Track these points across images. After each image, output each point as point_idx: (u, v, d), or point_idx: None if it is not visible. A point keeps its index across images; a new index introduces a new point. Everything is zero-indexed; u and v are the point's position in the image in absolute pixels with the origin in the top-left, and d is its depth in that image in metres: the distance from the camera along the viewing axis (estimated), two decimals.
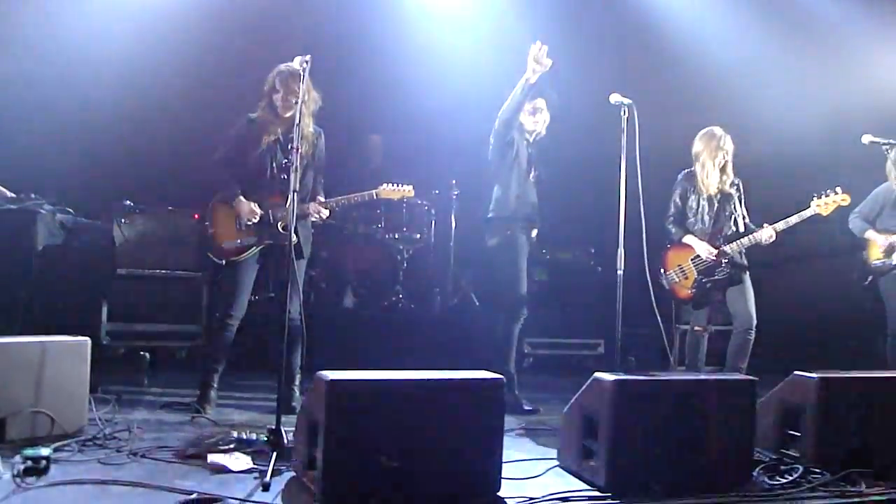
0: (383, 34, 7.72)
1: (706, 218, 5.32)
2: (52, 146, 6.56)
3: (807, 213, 5.12)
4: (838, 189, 5.12)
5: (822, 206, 5.10)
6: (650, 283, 4.49)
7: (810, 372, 3.73)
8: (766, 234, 5.15)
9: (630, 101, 4.43)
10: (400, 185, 5.01)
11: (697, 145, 5.37)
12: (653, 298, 4.45)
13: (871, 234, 5.74)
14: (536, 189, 5.26)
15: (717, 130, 5.33)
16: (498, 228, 5.15)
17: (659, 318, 4.46)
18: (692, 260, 5.30)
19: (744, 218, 5.36)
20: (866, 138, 5.57)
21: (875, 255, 5.71)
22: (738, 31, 7.94)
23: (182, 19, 6.93)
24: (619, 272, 4.35)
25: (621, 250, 4.36)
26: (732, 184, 5.36)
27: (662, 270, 5.40)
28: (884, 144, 5.59)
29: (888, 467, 3.50)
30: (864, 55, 7.73)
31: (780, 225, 5.14)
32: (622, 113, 4.45)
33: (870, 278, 5.75)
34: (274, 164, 4.59)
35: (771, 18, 7.83)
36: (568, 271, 7.83)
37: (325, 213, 4.69)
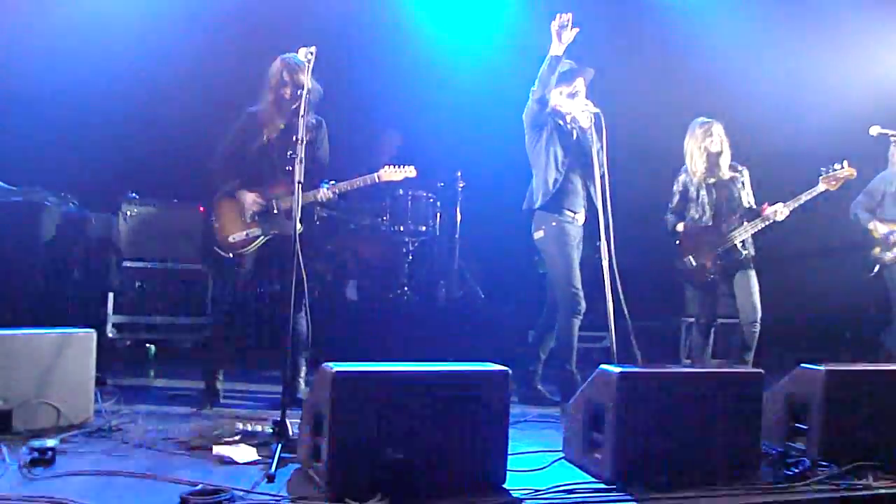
0: (388, 26, 7.71)
1: (706, 206, 5.33)
2: (57, 139, 6.56)
3: (816, 190, 5.12)
4: (844, 163, 5.10)
5: (829, 181, 5.10)
6: (616, 278, 4.49)
7: (817, 365, 3.72)
8: (779, 210, 5.13)
9: (598, 111, 4.70)
10: (401, 167, 4.95)
11: (686, 136, 5.41)
12: (621, 296, 4.47)
13: (874, 224, 5.76)
14: (583, 177, 4.95)
15: (704, 119, 5.36)
16: (542, 219, 4.96)
17: (627, 316, 4.49)
18: (708, 245, 5.29)
19: (751, 204, 5.35)
20: (874, 129, 5.55)
21: (879, 245, 5.75)
22: (743, 23, 7.90)
23: (189, 11, 6.93)
24: (605, 262, 4.48)
25: (604, 243, 4.50)
26: (735, 169, 5.36)
27: (680, 257, 5.40)
28: (892, 135, 5.58)
29: (895, 460, 3.49)
30: (871, 45, 7.69)
31: (791, 203, 5.14)
32: (590, 120, 4.72)
33: (876, 268, 5.76)
34: (276, 156, 4.58)
35: (777, 9, 7.79)
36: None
37: (329, 196, 4.65)
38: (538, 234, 4.96)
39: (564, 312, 4.87)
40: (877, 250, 5.78)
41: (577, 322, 4.86)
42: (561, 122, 4.96)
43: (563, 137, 4.93)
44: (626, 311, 4.48)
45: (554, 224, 4.89)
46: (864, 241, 5.90)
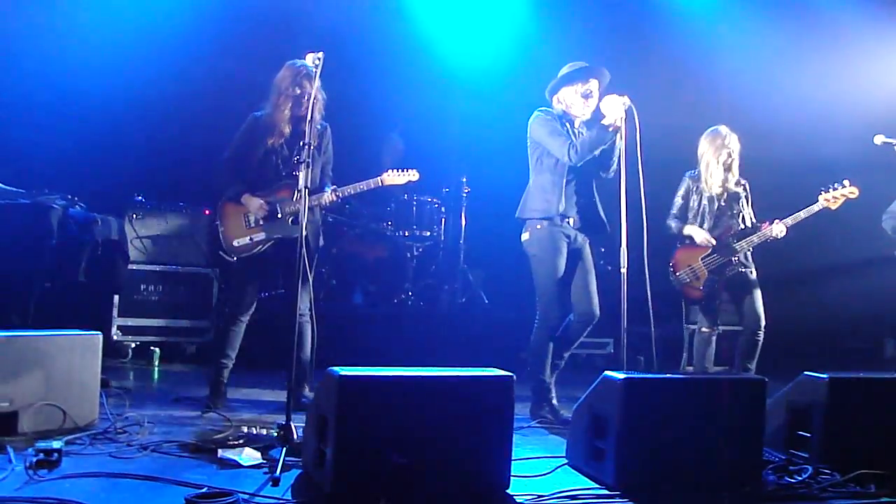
0: (396, 32, 7.75)
1: (707, 217, 5.33)
2: (65, 142, 6.60)
3: (815, 208, 5.09)
4: (846, 182, 5.06)
5: (829, 199, 5.05)
6: (647, 284, 4.29)
7: (820, 372, 3.72)
8: (778, 229, 5.14)
9: (629, 104, 4.37)
10: (404, 170, 4.86)
11: (702, 145, 5.36)
12: (649, 300, 4.27)
13: None
14: (583, 182, 4.73)
15: (723, 129, 5.32)
16: (530, 224, 4.72)
17: (652, 321, 4.33)
18: (703, 259, 5.29)
19: (751, 218, 5.36)
20: (878, 139, 5.52)
21: None
22: (745, 30, 7.93)
23: (196, 17, 6.96)
24: (623, 270, 4.31)
25: (624, 249, 4.31)
26: (738, 183, 5.36)
27: (673, 271, 5.40)
28: None
29: None
30: (872, 54, 7.70)
31: (789, 220, 5.13)
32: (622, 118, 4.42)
33: None
34: (281, 161, 4.59)
35: (779, 18, 7.82)
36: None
37: (334, 199, 4.64)
38: (524, 237, 4.75)
39: (542, 322, 4.68)
40: None
41: (547, 334, 4.67)
42: (569, 125, 4.76)
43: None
44: (651, 317, 4.30)
45: (539, 227, 4.66)
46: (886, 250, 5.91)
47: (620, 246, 4.32)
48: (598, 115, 4.60)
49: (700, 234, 5.30)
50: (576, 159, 4.54)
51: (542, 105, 4.85)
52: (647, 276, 4.31)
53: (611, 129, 4.44)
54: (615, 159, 4.60)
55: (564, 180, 4.68)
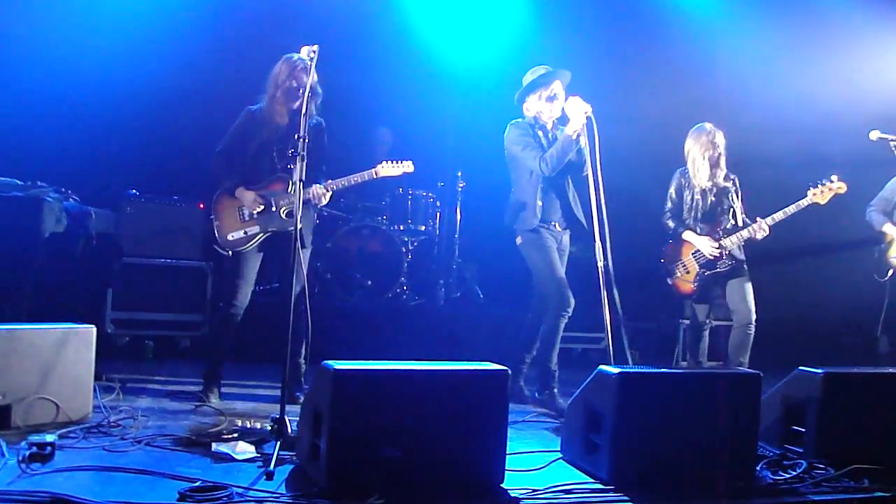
0: (391, 25, 7.73)
1: (699, 213, 5.34)
2: (59, 134, 6.56)
3: (803, 203, 5.11)
4: (834, 177, 5.09)
5: (818, 194, 5.08)
6: (612, 276, 4.43)
7: (815, 367, 3.72)
8: (759, 228, 5.15)
9: (589, 110, 4.56)
10: (399, 162, 4.88)
11: (688, 142, 5.40)
12: (616, 297, 4.38)
13: (888, 228, 5.76)
14: (562, 187, 4.99)
15: (708, 126, 5.36)
16: (521, 230, 4.99)
17: (621, 315, 4.41)
18: (693, 254, 5.31)
19: (741, 212, 5.37)
20: (874, 134, 5.54)
21: (894, 250, 5.75)
22: (743, 28, 7.92)
23: (190, 10, 6.93)
24: (600, 264, 4.45)
25: (598, 244, 4.44)
26: (727, 177, 5.37)
27: (664, 266, 5.41)
28: (892, 140, 5.58)
29: (892, 463, 3.50)
30: (870, 50, 7.71)
31: (779, 215, 5.14)
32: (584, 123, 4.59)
33: (889, 273, 5.77)
34: (276, 154, 4.58)
35: (778, 15, 7.81)
36: (572, 265, 7.89)
37: (326, 197, 4.61)
38: (518, 241, 5.02)
39: (553, 310, 4.85)
40: (891, 253, 5.80)
41: (563, 320, 4.86)
42: (541, 133, 4.98)
43: (544, 151, 4.88)
44: (619, 308, 4.40)
45: (531, 229, 4.92)
46: (875, 240, 5.89)
47: (595, 241, 4.48)
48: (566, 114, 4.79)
49: (704, 244, 5.27)
50: (548, 172, 4.82)
51: None
52: (611, 268, 4.45)
53: (574, 137, 4.68)
54: (584, 160, 4.69)
55: (540, 189, 4.90)
